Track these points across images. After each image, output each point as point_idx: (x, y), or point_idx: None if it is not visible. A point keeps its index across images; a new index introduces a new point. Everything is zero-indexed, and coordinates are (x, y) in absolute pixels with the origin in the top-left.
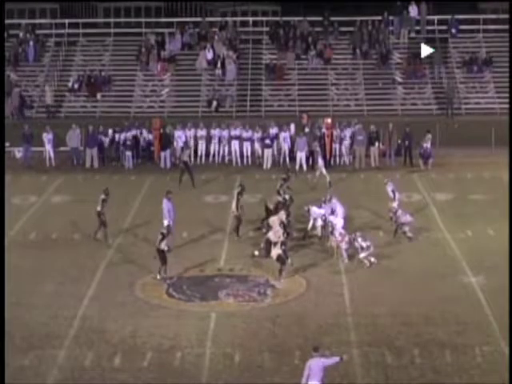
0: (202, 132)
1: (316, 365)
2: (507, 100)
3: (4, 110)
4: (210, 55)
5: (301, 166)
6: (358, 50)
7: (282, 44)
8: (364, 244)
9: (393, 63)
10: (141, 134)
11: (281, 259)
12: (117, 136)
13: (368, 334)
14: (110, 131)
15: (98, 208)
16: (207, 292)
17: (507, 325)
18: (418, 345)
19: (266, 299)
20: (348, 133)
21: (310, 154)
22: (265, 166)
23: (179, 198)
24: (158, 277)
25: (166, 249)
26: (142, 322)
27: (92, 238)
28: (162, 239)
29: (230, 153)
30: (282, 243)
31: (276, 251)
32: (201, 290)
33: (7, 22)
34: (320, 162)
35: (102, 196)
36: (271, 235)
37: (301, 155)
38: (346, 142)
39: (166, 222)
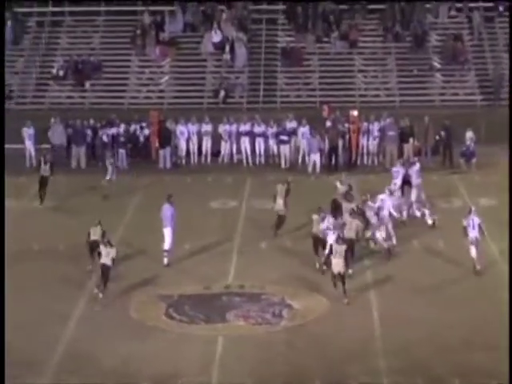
0: (207, 127)
1: None
2: None
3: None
4: (216, 37)
5: (314, 168)
6: (389, 32)
7: (301, 24)
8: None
9: (430, 46)
10: (141, 128)
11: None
12: (104, 132)
13: (400, 361)
14: (109, 127)
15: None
16: (213, 313)
17: None
18: (458, 374)
19: (281, 321)
20: (376, 127)
21: (333, 152)
22: (283, 165)
23: (181, 204)
24: (95, 290)
25: (111, 265)
26: (137, 347)
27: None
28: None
29: (239, 151)
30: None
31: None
32: (206, 311)
33: None
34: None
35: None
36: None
37: (314, 158)
38: (374, 139)
39: (166, 232)
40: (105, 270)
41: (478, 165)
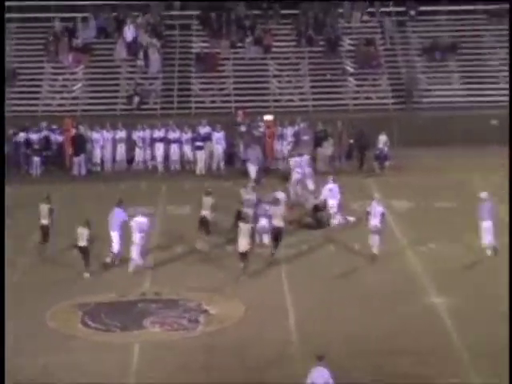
0: (121, 134)
1: (320, 377)
2: (475, 92)
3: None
4: (129, 34)
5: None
6: (302, 36)
7: (215, 30)
8: None
9: (343, 51)
10: (53, 132)
11: None
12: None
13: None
14: (22, 134)
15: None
16: (129, 320)
17: (478, 352)
18: (376, 378)
19: (197, 327)
20: (290, 132)
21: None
22: (198, 172)
23: (95, 212)
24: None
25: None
26: (55, 357)
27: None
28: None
29: (153, 157)
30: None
31: None
32: (122, 318)
33: None
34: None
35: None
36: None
37: (252, 168)
38: (288, 144)
39: (114, 235)
40: (83, 251)
41: (391, 167)
